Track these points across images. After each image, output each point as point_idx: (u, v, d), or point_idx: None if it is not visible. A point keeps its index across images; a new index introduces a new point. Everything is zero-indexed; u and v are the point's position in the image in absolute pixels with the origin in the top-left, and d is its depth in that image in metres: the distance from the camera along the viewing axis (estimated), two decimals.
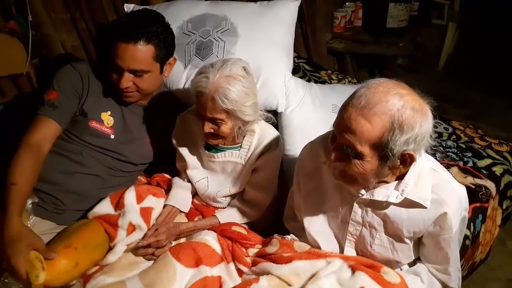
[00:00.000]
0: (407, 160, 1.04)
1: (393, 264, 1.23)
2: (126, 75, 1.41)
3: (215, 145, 1.48)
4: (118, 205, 1.39)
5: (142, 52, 1.41)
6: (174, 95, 1.72)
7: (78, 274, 1.25)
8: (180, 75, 1.72)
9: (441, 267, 1.23)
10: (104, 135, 1.50)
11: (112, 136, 1.51)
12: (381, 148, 1.00)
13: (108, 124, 1.51)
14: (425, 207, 1.12)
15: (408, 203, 1.13)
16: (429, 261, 1.24)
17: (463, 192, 1.18)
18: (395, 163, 1.05)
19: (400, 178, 1.13)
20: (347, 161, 1.05)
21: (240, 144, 1.49)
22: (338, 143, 1.05)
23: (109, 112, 1.51)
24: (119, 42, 1.39)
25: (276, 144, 1.47)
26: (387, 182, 1.13)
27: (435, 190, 1.12)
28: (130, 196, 1.41)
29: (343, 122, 1.02)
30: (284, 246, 1.31)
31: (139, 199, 1.42)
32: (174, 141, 1.55)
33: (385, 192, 1.13)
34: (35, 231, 1.33)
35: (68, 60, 1.69)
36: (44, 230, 1.37)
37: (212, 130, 1.37)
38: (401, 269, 1.27)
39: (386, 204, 1.16)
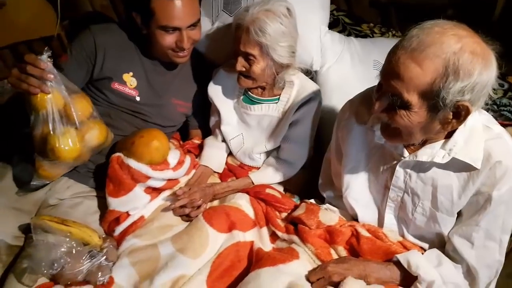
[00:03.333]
0: (461, 113, 0.91)
1: (434, 238, 1.14)
2: (186, 33, 1.34)
3: (251, 93, 1.47)
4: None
5: (192, 1, 1.33)
6: (201, 55, 1.65)
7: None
8: (208, 32, 1.62)
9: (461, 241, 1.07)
10: (129, 96, 1.46)
11: (138, 98, 1.47)
12: (432, 97, 0.88)
13: (131, 85, 1.46)
14: (476, 169, 1.00)
15: (457, 165, 1.02)
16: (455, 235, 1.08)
17: None
18: (447, 116, 0.93)
19: (448, 136, 1.01)
20: (392, 112, 0.94)
21: (278, 97, 1.46)
22: (384, 91, 0.95)
23: (131, 73, 1.46)
24: (167, 2, 1.28)
25: (316, 96, 1.43)
26: (434, 142, 1.02)
27: (487, 148, 1.00)
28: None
29: (390, 67, 0.91)
30: (309, 211, 1.26)
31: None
32: (209, 94, 1.52)
33: (430, 151, 1.02)
34: (70, 193, 1.37)
35: (98, 20, 1.63)
36: (78, 193, 1.38)
37: (243, 69, 1.36)
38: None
39: (432, 166, 1.05)
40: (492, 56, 0.88)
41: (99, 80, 1.43)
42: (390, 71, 0.91)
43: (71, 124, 1.17)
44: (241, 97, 1.50)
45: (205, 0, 1.54)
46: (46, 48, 1.10)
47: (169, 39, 1.35)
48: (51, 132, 1.14)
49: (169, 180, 1.39)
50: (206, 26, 1.61)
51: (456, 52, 0.85)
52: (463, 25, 0.90)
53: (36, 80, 1.09)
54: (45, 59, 1.09)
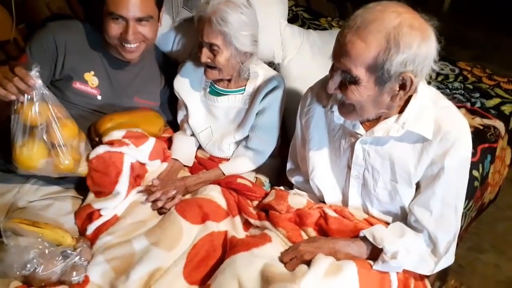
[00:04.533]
0: (406, 83, 0.99)
1: (396, 211, 1.20)
2: (132, 25, 1.33)
3: (217, 86, 1.50)
4: None
5: None
6: (163, 53, 1.65)
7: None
8: (169, 30, 1.64)
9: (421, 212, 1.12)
10: (90, 95, 1.45)
11: (99, 97, 1.47)
12: (377, 70, 0.96)
13: (92, 84, 1.46)
14: (428, 140, 1.07)
15: (411, 138, 1.09)
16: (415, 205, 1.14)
17: (466, 124, 1.11)
18: (394, 88, 1.00)
19: (401, 112, 1.08)
20: (344, 88, 1.02)
21: (243, 87, 1.49)
22: (335, 69, 1.02)
23: (92, 72, 1.45)
24: None
25: (280, 84, 1.47)
26: (388, 118, 1.09)
27: (437, 119, 1.07)
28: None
29: (339, 46, 0.98)
30: (279, 197, 1.30)
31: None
32: (176, 89, 1.53)
33: (385, 127, 1.09)
34: (39, 194, 1.35)
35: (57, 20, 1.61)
36: (48, 194, 1.36)
37: (209, 60, 1.38)
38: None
39: (388, 141, 1.12)
40: (430, 30, 0.96)
41: (60, 80, 1.42)
42: (339, 50, 0.98)
43: (37, 138, 1.18)
44: (208, 90, 1.53)
45: None
46: (34, 64, 1.11)
47: (115, 29, 1.34)
48: (15, 140, 1.16)
49: (140, 163, 1.40)
50: (167, 23, 1.63)
51: (396, 26, 0.92)
52: (403, 3, 0.97)
53: (16, 91, 1.09)
54: (34, 76, 1.10)
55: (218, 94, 1.51)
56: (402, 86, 1.00)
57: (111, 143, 1.35)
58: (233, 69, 1.43)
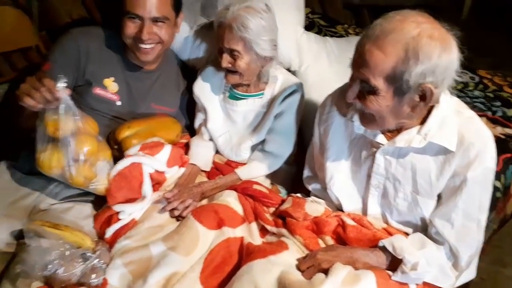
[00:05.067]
0: (426, 95, 0.97)
1: (416, 222, 1.19)
2: (148, 25, 1.35)
3: (236, 90, 1.51)
4: None
5: None
6: (182, 61, 1.67)
7: None
8: (187, 37, 1.66)
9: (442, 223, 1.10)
10: (110, 101, 1.47)
11: (119, 103, 1.49)
12: (396, 80, 0.95)
13: (112, 90, 1.48)
14: (451, 151, 1.05)
15: (433, 149, 1.08)
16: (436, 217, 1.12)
17: (490, 135, 1.09)
18: (414, 99, 0.99)
19: (423, 122, 1.07)
20: (363, 98, 1.01)
21: (262, 92, 1.50)
22: (354, 78, 1.02)
23: (112, 78, 1.47)
24: None
25: (299, 89, 1.49)
26: (410, 128, 1.08)
27: (460, 131, 1.06)
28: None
29: (358, 55, 0.99)
30: (296, 204, 1.29)
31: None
32: (195, 93, 1.55)
33: (407, 137, 1.08)
34: (60, 197, 1.37)
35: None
36: (69, 197, 1.37)
37: (229, 65, 1.40)
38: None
39: (410, 152, 1.10)
40: (451, 40, 0.95)
41: (81, 86, 1.44)
42: (358, 59, 0.98)
43: (56, 148, 1.21)
44: (227, 94, 1.54)
45: (183, 6, 1.56)
46: (61, 76, 1.14)
47: (131, 28, 1.37)
48: (37, 145, 1.20)
49: (158, 172, 1.42)
50: (185, 30, 1.65)
51: (415, 36, 0.91)
52: (424, 13, 0.97)
53: (43, 101, 1.12)
54: (61, 88, 1.13)
55: (237, 98, 1.53)
56: (422, 97, 0.99)
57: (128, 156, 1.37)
58: (253, 73, 1.44)
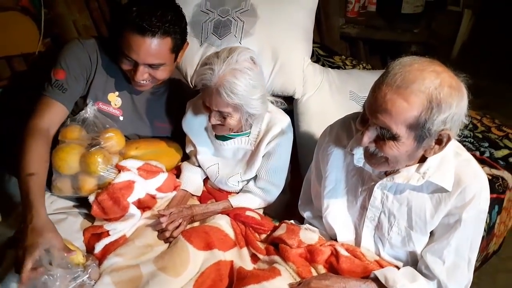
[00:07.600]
0: (443, 140, 1.01)
1: (407, 257, 1.21)
2: (141, 69, 1.33)
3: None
4: None
5: (159, 45, 1.31)
6: (186, 79, 1.68)
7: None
8: (195, 53, 1.67)
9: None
10: (113, 116, 1.46)
11: (121, 118, 1.48)
12: (418, 128, 0.97)
13: (115, 105, 1.47)
14: (447, 191, 1.09)
15: (430, 187, 1.11)
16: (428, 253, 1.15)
17: (485, 178, 1.13)
18: (431, 144, 1.03)
19: (422, 160, 1.10)
20: (381, 142, 1.03)
21: (249, 131, 1.47)
22: (371, 124, 1.02)
23: (116, 93, 1.47)
24: (133, 33, 1.27)
25: (287, 129, 1.45)
26: (409, 165, 1.11)
27: (457, 172, 1.09)
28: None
29: (377, 102, 0.98)
30: (290, 231, 1.30)
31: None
32: (184, 127, 1.52)
33: (406, 174, 1.10)
34: (53, 208, 1.36)
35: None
36: (62, 208, 1.37)
37: (219, 122, 1.36)
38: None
39: (407, 188, 1.13)
40: (464, 88, 0.99)
41: (82, 97, 1.43)
42: (378, 106, 0.98)
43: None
44: (213, 134, 1.49)
45: (195, 21, 1.57)
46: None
47: (126, 64, 1.36)
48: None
49: (149, 195, 1.42)
50: (194, 46, 1.65)
51: (437, 87, 0.95)
52: (436, 61, 1.01)
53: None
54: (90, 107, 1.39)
55: (224, 138, 1.49)
56: (438, 141, 1.02)
57: (121, 168, 1.37)
58: (243, 125, 1.41)
